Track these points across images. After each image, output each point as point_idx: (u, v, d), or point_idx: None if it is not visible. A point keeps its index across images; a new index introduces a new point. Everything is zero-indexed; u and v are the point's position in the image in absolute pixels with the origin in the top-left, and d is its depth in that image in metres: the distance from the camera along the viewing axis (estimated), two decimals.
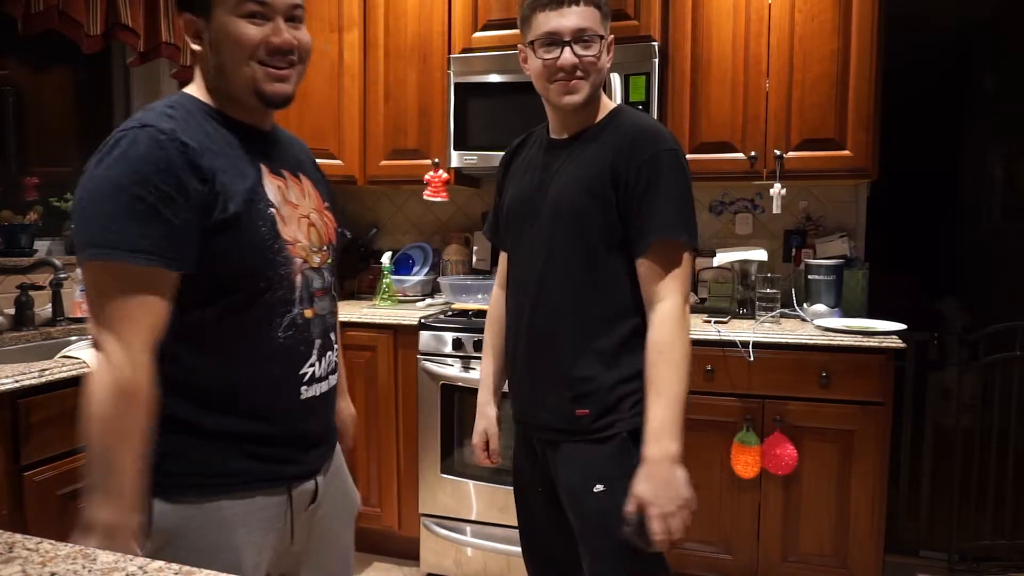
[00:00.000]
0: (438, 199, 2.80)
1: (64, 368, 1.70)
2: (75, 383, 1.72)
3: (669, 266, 1.32)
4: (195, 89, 1.10)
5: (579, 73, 1.33)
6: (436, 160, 2.81)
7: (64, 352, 1.85)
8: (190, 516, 1.05)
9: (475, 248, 3.08)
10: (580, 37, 1.31)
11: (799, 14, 2.46)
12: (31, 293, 2.27)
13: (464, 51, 2.74)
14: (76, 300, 2.42)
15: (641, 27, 2.55)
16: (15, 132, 2.55)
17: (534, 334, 1.41)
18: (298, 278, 1.10)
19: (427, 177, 2.81)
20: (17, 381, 1.58)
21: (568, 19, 1.30)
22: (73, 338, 2.27)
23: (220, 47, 1.05)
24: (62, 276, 2.24)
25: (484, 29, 2.73)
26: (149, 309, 0.97)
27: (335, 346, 1.22)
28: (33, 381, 1.61)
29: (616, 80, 2.49)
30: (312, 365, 1.14)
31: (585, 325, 1.37)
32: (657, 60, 2.49)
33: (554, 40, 1.31)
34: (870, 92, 2.42)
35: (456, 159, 2.73)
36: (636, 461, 1.30)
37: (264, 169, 1.09)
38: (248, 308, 1.06)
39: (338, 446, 1.32)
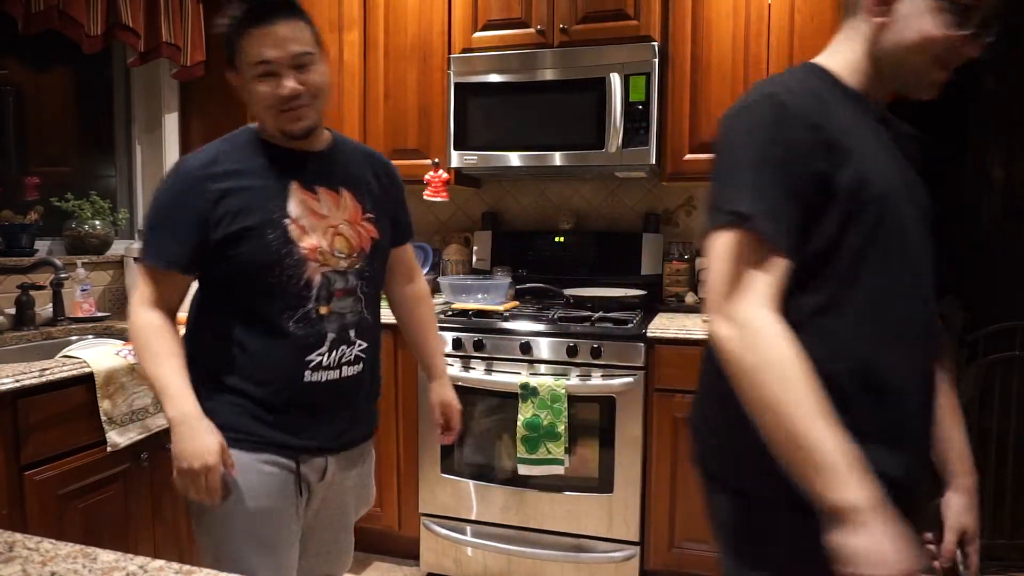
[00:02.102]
0: (438, 199, 2.81)
1: (64, 368, 1.70)
2: (75, 383, 1.72)
3: None
4: (258, 122, 1.37)
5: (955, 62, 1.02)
6: (436, 160, 2.81)
7: (64, 352, 1.86)
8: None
9: (475, 248, 3.08)
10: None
11: (799, 14, 2.46)
12: (31, 293, 2.27)
13: (464, 51, 2.74)
14: (76, 300, 2.42)
15: (641, 27, 2.55)
16: (15, 132, 2.55)
17: (930, 379, 1.09)
18: (317, 278, 1.32)
19: (427, 177, 2.81)
20: (17, 381, 1.58)
21: None
22: (73, 338, 2.27)
23: (248, 100, 1.32)
24: (62, 276, 2.24)
25: (484, 29, 2.73)
26: (149, 288, 1.32)
27: (357, 342, 1.39)
28: (33, 381, 1.62)
29: (616, 80, 2.50)
30: (321, 355, 1.33)
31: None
32: (657, 60, 2.49)
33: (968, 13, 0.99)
34: None
35: (456, 159, 2.73)
36: None
37: (294, 185, 1.33)
38: (266, 297, 1.30)
39: (371, 449, 1.58)
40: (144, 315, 1.30)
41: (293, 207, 1.31)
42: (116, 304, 2.67)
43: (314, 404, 1.35)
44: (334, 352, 1.34)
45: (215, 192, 1.26)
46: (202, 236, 1.27)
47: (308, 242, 1.31)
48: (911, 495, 1.00)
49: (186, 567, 0.72)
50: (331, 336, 1.34)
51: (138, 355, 1.29)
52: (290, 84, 1.26)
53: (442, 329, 2.52)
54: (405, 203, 1.57)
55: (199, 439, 1.23)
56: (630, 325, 2.40)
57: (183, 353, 1.30)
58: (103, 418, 1.77)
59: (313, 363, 1.32)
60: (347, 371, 1.37)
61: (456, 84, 2.70)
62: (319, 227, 1.33)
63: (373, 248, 1.41)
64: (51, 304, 2.33)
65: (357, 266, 1.38)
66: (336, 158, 1.41)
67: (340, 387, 1.37)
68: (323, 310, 1.32)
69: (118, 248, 2.68)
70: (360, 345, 1.39)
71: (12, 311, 2.25)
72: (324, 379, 1.34)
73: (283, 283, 1.29)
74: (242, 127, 1.39)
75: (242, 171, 1.30)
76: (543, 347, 2.42)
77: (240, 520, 1.31)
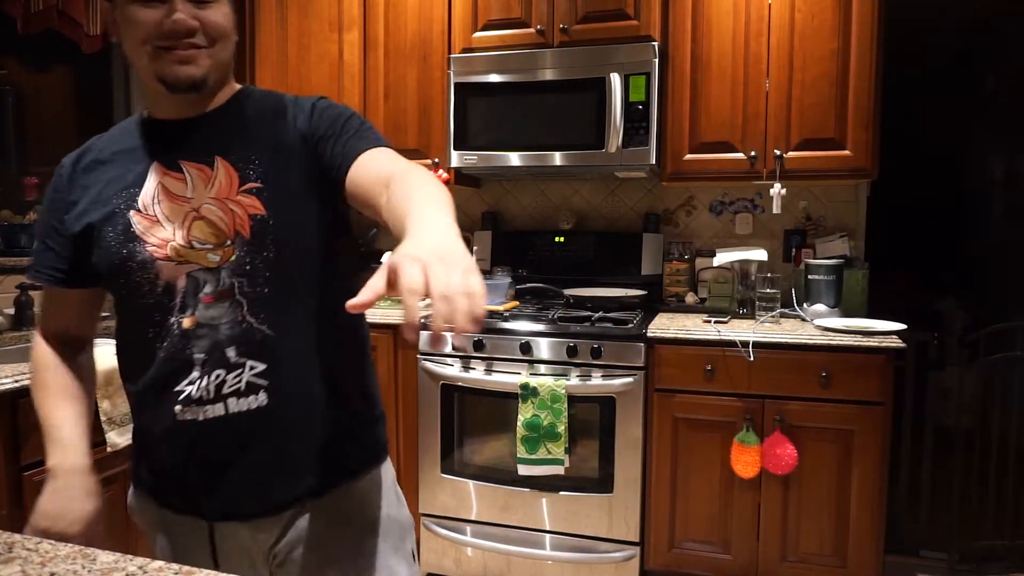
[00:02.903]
0: None
1: None
2: None
3: None
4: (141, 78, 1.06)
5: None
6: (436, 160, 2.81)
7: None
8: (140, 507, 1.11)
9: (475, 248, 3.07)
10: None
11: (799, 13, 2.46)
12: (31, 293, 2.27)
13: (464, 51, 2.74)
14: None
15: (641, 27, 2.55)
16: (15, 132, 2.55)
17: None
18: (181, 282, 0.99)
19: None
20: (17, 381, 1.58)
21: None
22: None
23: (123, 35, 1.00)
24: None
25: (484, 29, 2.73)
26: (45, 311, 1.15)
27: (246, 363, 0.99)
28: None
29: (616, 80, 2.49)
30: (190, 383, 0.98)
31: None
32: (657, 60, 2.49)
33: None
34: (870, 91, 2.42)
35: (456, 159, 2.73)
36: None
37: (155, 165, 1.02)
38: (128, 314, 1.04)
39: (350, 513, 1.09)
40: (38, 346, 1.11)
41: (145, 193, 1.01)
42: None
43: (205, 451, 1.01)
44: (207, 380, 0.98)
45: (75, 188, 1.05)
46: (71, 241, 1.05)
47: (158, 235, 0.99)
48: None
49: (185, 568, 0.72)
50: (199, 357, 0.99)
51: (32, 390, 1.09)
52: (181, 16, 0.95)
53: None
54: (341, 128, 1.04)
55: (69, 502, 1.01)
56: (630, 325, 2.40)
57: (84, 393, 1.10)
58: (103, 418, 1.77)
59: (182, 395, 0.99)
60: (236, 404, 0.99)
61: (456, 84, 2.70)
62: (179, 214, 1.00)
63: (255, 230, 0.99)
64: None
65: (232, 258, 0.99)
66: (222, 119, 1.06)
67: (232, 426, 0.99)
68: (186, 323, 0.99)
69: None
70: (253, 368, 1.00)
71: (11, 311, 2.25)
72: (203, 417, 0.99)
73: (136, 292, 1.00)
74: None
75: (106, 160, 1.05)
76: (543, 347, 2.41)
77: None
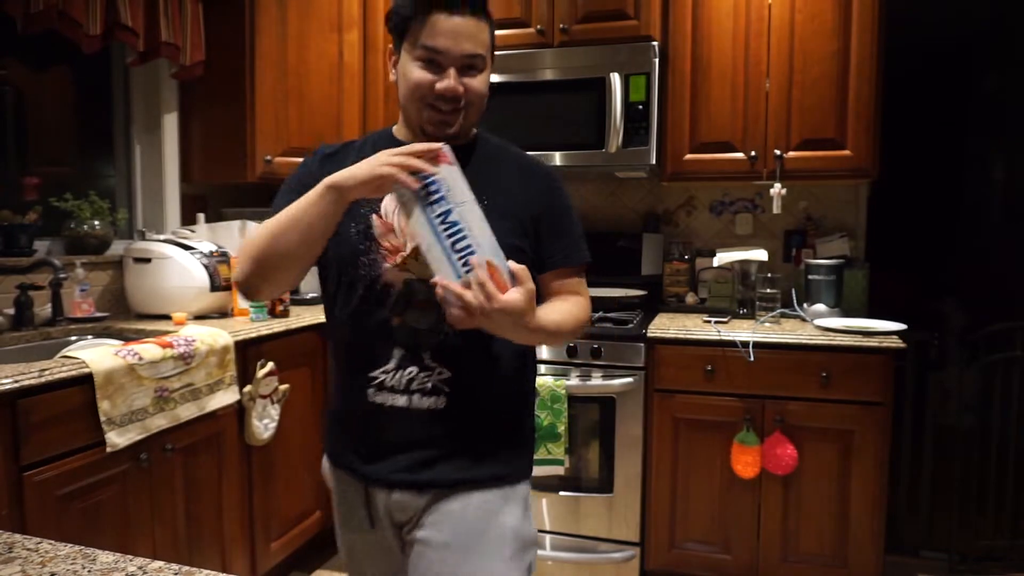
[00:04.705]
0: None
1: (64, 368, 1.69)
2: (75, 383, 1.72)
3: None
4: (398, 123, 1.27)
5: None
6: None
7: (63, 352, 1.85)
8: (327, 468, 1.32)
9: None
10: None
11: (799, 14, 2.46)
12: (30, 293, 2.27)
13: None
14: (75, 300, 2.42)
15: (641, 27, 2.55)
16: (15, 132, 2.54)
17: None
18: (398, 285, 1.17)
19: None
20: (17, 381, 1.58)
21: None
22: (73, 338, 2.27)
23: (400, 82, 1.19)
24: (61, 276, 2.24)
25: None
26: None
27: (436, 368, 1.16)
28: (33, 381, 1.61)
29: (616, 80, 2.49)
30: (385, 372, 1.17)
31: None
32: (657, 60, 2.49)
33: None
34: (870, 92, 2.42)
35: None
36: None
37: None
38: (347, 295, 1.20)
39: (485, 508, 1.20)
40: None
41: (388, 201, 1.17)
42: (115, 304, 2.67)
43: (384, 430, 1.19)
44: (400, 372, 1.17)
45: (325, 174, 1.11)
46: None
47: (390, 241, 1.16)
48: None
49: (185, 568, 0.72)
50: (398, 352, 1.17)
51: (267, 236, 1.11)
52: (450, 82, 1.14)
53: None
54: (565, 228, 1.32)
55: (355, 169, 1.06)
56: (630, 325, 2.40)
57: None
58: (102, 418, 1.77)
59: (376, 381, 1.18)
60: (420, 401, 1.17)
61: None
62: None
63: None
64: (50, 304, 2.33)
65: None
66: (463, 153, 1.17)
67: (411, 419, 1.17)
68: (395, 321, 1.17)
69: (117, 248, 2.68)
70: (440, 373, 1.17)
71: (11, 311, 2.24)
72: (389, 403, 1.17)
73: (358, 283, 1.18)
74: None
75: (355, 160, 1.12)
76: (543, 347, 2.41)
77: (340, 540, 1.32)
